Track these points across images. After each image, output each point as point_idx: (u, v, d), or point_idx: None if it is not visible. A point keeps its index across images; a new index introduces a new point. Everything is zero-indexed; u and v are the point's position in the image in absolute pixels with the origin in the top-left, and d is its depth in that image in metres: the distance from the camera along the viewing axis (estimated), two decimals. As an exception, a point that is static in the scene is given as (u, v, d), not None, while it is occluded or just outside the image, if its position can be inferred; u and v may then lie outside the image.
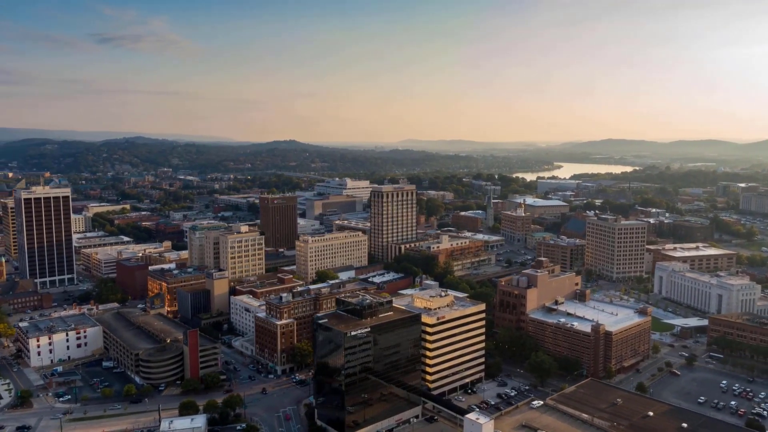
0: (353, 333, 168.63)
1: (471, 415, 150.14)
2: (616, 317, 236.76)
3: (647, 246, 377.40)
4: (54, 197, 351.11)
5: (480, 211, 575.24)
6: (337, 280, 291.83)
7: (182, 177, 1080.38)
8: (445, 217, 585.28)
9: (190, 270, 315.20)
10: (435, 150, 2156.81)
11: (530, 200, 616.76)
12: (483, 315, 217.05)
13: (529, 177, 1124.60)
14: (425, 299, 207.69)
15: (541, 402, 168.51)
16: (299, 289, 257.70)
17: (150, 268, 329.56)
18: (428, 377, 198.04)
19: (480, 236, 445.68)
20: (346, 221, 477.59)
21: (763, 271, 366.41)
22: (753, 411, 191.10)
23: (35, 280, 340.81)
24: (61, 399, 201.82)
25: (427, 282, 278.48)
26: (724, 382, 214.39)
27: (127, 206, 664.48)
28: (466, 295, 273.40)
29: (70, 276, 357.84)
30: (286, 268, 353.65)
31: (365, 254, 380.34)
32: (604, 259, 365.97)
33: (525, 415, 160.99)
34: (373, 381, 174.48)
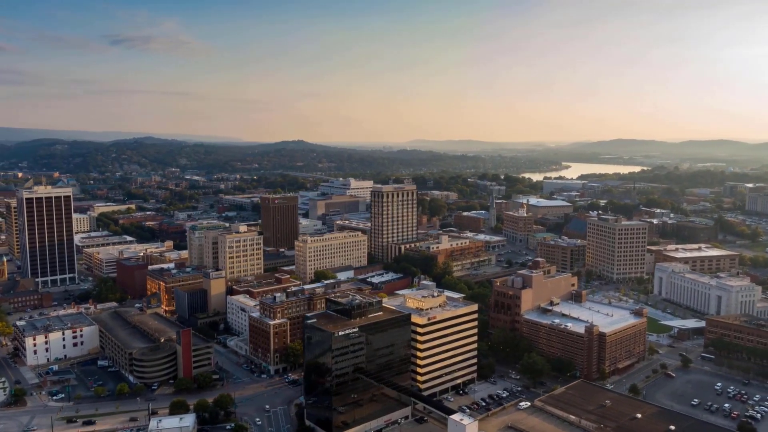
0: (341, 333, 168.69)
1: (455, 416, 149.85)
2: (611, 318, 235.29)
3: (649, 247, 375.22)
4: (55, 197, 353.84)
5: (483, 212, 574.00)
6: (332, 280, 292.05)
7: (189, 177, 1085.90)
8: (448, 218, 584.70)
9: (188, 270, 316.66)
10: (443, 150, 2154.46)
11: (533, 200, 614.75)
12: (475, 315, 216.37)
13: (537, 177, 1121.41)
14: (417, 299, 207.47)
15: (529, 403, 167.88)
16: (293, 289, 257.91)
17: (149, 267, 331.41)
18: (419, 378, 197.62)
19: (481, 237, 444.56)
20: (347, 221, 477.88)
21: (766, 272, 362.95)
22: (746, 414, 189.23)
23: (36, 279, 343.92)
24: (54, 397, 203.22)
25: (425, 282, 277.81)
26: (719, 384, 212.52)
27: (133, 206, 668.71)
28: (462, 295, 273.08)
29: (71, 275, 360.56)
30: (285, 268, 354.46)
31: (365, 254, 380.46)
32: (604, 259, 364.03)
33: (512, 416, 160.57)
34: (361, 381, 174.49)
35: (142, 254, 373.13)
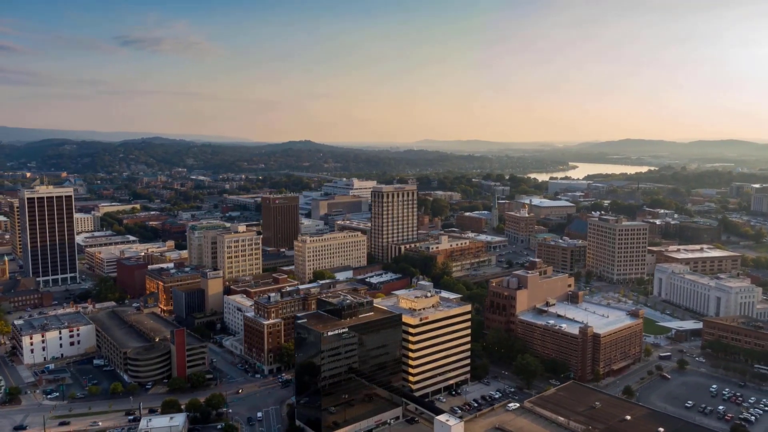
0: (330, 333, 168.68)
1: (441, 417, 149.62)
2: (606, 319, 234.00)
3: (650, 247, 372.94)
4: (57, 197, 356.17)
5: (486, 212, 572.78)
6: (328, 280, 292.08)
7: (194, 177, 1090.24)
8: (450, 218, 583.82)
9: (187, 269, 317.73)
10: (450, 150, 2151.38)
11: (537, 201, 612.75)
12: (469, 316, 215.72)
13: (543, 177, 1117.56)
14: (410, 300, 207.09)
15: (518, 404, 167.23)
16: (288, 289, 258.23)
17: (149, 267, 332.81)
18: (411, 378, 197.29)
19: (482, 237, 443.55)
20: (348, 221, 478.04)
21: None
22: (740, 416, 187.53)
23: (37, 279, 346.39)
24: (48, 396, 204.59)
25: (422, 283, 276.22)
26: (714, 386, 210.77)
27: (138, 206, 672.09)
28: (459, 296, 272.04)
29: (72, 275, 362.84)
30: (285, 268, 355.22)
31: (364, 254, 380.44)
32: (604, 260, 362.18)
33: (500, 417, 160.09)
34: (352, 381, 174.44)
35: (143, 254, 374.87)
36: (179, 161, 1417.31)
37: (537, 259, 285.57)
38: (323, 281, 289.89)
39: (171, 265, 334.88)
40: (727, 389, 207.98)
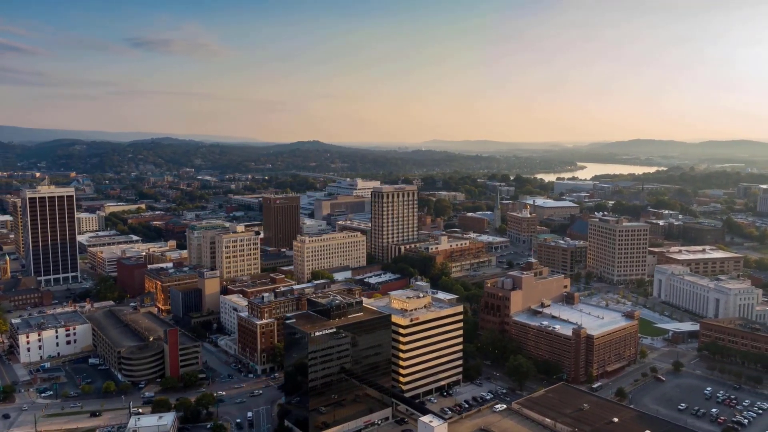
0: (317, 333, 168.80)
1: (425, 418, 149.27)
2: (601, 321, 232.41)
3: (651, 248, 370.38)
4: (58, 196, 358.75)
5: (489, 212, 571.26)
6: (325, 281, 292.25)
7: (201, 177, 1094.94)
8: (453, 218, 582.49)
9: (185, 269, 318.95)
10: (458, 150, 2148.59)
11: (540, 201, 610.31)
12: (461, 317, 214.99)
13: (551, 178, 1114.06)
14: (402, 300, 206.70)
15: (504, 406, 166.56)
16: (282, 289, 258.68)
17: (148, 266, 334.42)
18: (401, 379, 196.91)
19: (483, 238, 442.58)
20: (350, 221, 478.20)
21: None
22: (734, 419, 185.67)
23: (39, 278, 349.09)
24: (42, 395, 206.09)
25: (418, 283, 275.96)
26: (709, 388, 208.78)
27: (143, 206, 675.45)
28: (456, 296, 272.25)
29: (74, 274, 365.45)
30: (285, 268, 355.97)
31: (364, 255, 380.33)
32: (605, 261, 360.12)
33: (485, 418, 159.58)
34: (340, 382, 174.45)
35: (144, 254, 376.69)
36: (187, 161, 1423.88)
37: (533, 260, 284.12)
38: (318, 282, 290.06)
39: (170, 264, 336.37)
40: (721, 392, 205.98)
